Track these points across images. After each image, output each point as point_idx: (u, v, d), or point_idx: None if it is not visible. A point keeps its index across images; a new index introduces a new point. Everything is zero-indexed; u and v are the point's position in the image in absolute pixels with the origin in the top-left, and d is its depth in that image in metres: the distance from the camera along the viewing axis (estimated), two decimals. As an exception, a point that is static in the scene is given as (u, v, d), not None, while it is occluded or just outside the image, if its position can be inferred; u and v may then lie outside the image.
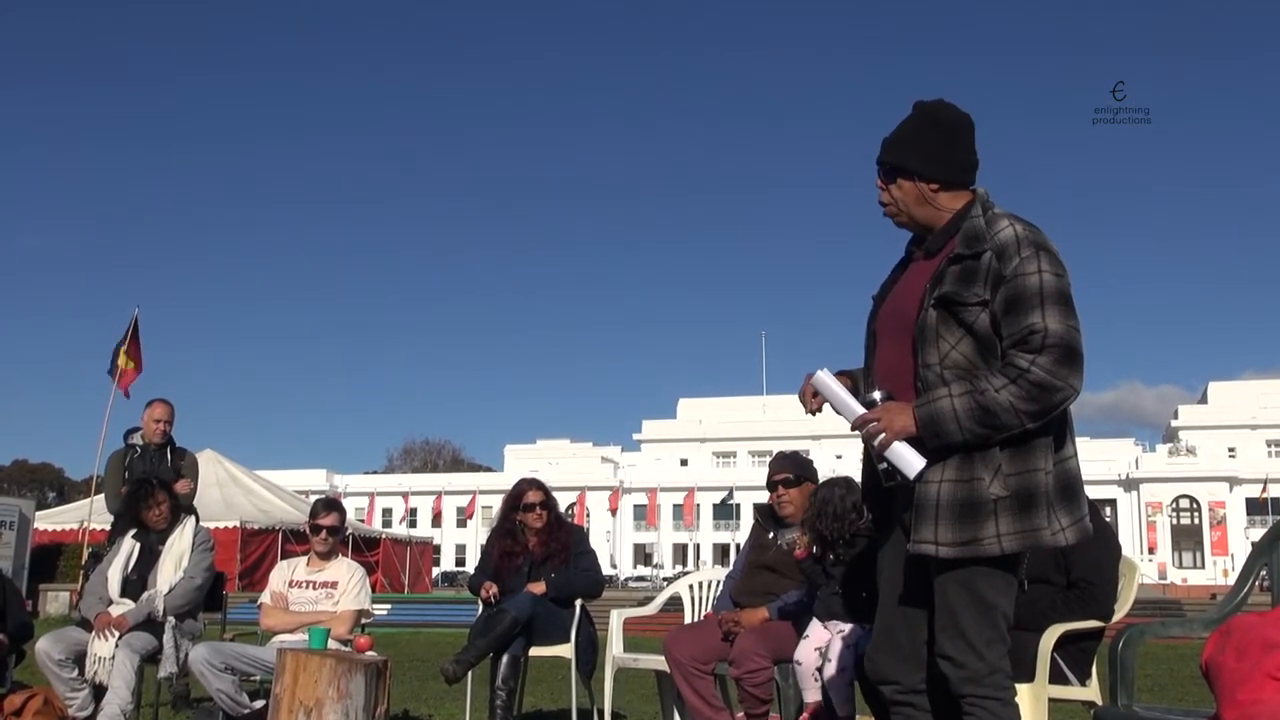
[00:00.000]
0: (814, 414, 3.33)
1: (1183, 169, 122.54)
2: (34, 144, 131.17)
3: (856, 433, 3.11)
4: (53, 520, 31.70)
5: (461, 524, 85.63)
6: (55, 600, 23.42)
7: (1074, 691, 4.41)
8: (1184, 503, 79.50)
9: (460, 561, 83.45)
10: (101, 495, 8.49)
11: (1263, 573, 4.09)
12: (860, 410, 3.08)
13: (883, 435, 3.01)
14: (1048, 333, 2.90)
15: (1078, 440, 3.15)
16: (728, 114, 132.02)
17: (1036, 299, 2.93)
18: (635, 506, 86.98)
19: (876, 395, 3.09)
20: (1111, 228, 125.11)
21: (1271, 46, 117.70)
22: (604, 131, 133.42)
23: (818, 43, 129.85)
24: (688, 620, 6.02)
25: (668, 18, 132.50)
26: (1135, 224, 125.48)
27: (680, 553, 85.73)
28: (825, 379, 3.19)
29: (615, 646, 5.99)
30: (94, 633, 5.69)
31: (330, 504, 6.38)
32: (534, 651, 6.06)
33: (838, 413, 3.19)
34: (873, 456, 3.11)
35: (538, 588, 6.08)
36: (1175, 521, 79.35)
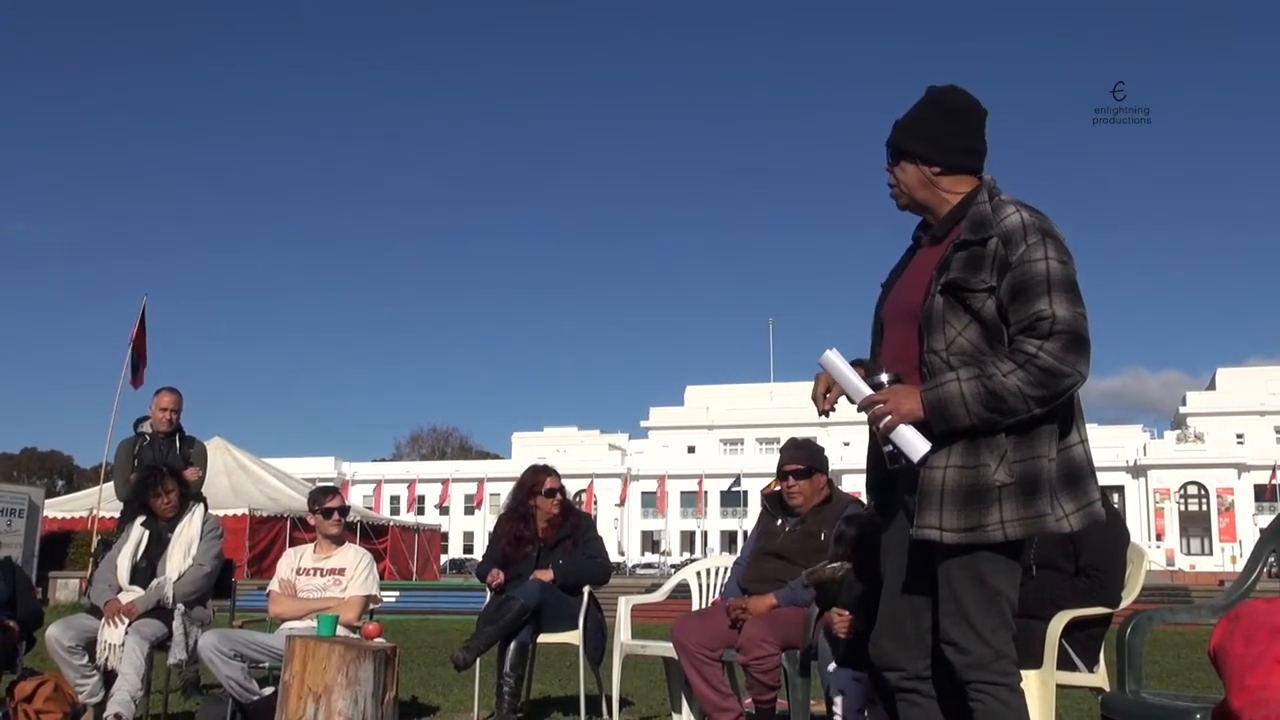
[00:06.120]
0: (826, 415, 3.27)
1: (1187, 160, 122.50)
2: (42, 135, 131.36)
3: (863, 414, 3.11)
4: (62, 508, 31.84)
5: (469, 511, 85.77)
6: (65, 588, 23.48)
7: (1081, 678, 4.40)
8: (1192, 489, 79.39)
9: (468, 549, 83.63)
10: (111, 483, 8.51)
11: (1271, 559, 4.08)
12: (867, 392, 3.07)
13: (889, 418, 3.00)
14: (1055, 319, 2.89)
15: (1086, 426, 3.14)
16: (735, 105, 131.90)
17: (1044, 285, 2.92)
18: (643, 494, 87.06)
19: (884, 378, 3.07)
20: (1115, 216, 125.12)
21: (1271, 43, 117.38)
22: (611, 122, 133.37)
23: (823, 38, 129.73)
24: (695, 607, 6.02)
25: (678, 10, 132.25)
26: (1138, 212, 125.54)
27: (688, 540, 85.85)
28: (834, 359, 3.17)
29: (623, 633, 6.00)
30: (104, 620, 5.71)
31: (328, 488, 6.42)
32: (542, 638, 6.08)
33: (845, 394, 3.18)
34: (878, 439, 3.11)
35: (545, 575, 6.10)
36: (1183, 508, 79.27)
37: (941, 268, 3.05)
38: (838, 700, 4.40)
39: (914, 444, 2.98)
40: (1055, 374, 2.88)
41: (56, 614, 7.68)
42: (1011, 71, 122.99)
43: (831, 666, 4.56)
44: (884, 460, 3.14)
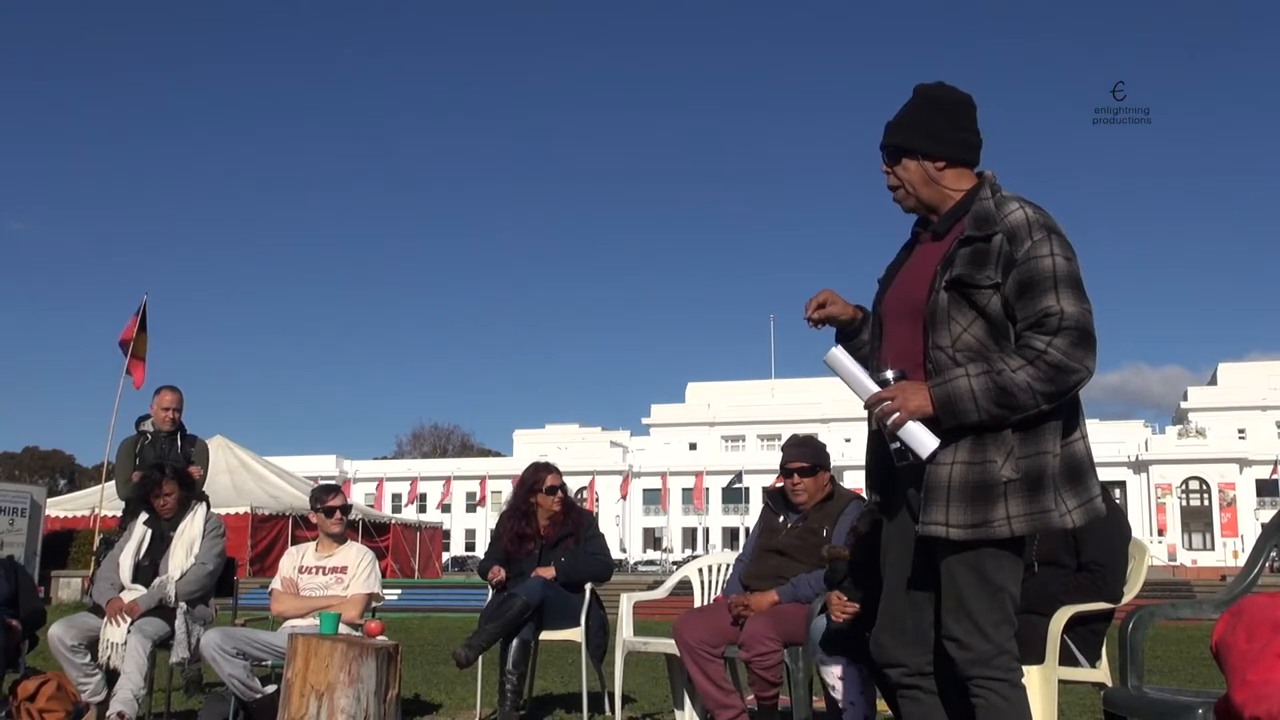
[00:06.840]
0: (813, 323, 3.36)
1: (1188, 156, 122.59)
2: (42, 134, 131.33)
3: (868, 410, 3.09)
4: (64, 507, 31.86)
5: (471, 509, 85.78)
6: (67, 586, 23.51)
7: (1084, 673, 4.40)
8: (1193, 484, 79.37)
9: (470, 546, 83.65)
10: (112, 482, 8.51)
11: (1273, 554, 4.07)
12: (874, 388, 3.06)
13: (897, 414, 2.98)
14: (1064, 315, 2.90)
15: (1088, 422, 3.13)
16: (736, 104, 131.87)
17: (1050, 282, 2.93)
18: (645, 491, 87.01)
19: (889, 374, 3.05)
20: (1116, 212, 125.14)
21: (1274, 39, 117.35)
22: (613, 120, 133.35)
23: (824, 37, 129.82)
24: (697, 604, 6.02)
25: (680, 9, 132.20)
26: (1139, 208, 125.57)
27: (689, 537, 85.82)
28: (840, 356, 3.16)
29: (625, 630, 6.00)
30: (106, 618, 5.71)
31: (330, 487, 6.42)
32: (545, 635, 6.08)
33: (849, 387, 3.16)
34: (884, 436, 3.09)
35: (547, 572, 6.10)
36: (1185, 503, 79.24)
37: (946, 264, 3.04)
38: (838, 684, 4.41)
39: (923, 440, 2.96)
40: (1064, 369, 2.89)
41: (59, 613, 7.69)
42: (1011, 71, 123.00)
43: (819, 656, 4.57)
44: (885, 456, 3.13)
